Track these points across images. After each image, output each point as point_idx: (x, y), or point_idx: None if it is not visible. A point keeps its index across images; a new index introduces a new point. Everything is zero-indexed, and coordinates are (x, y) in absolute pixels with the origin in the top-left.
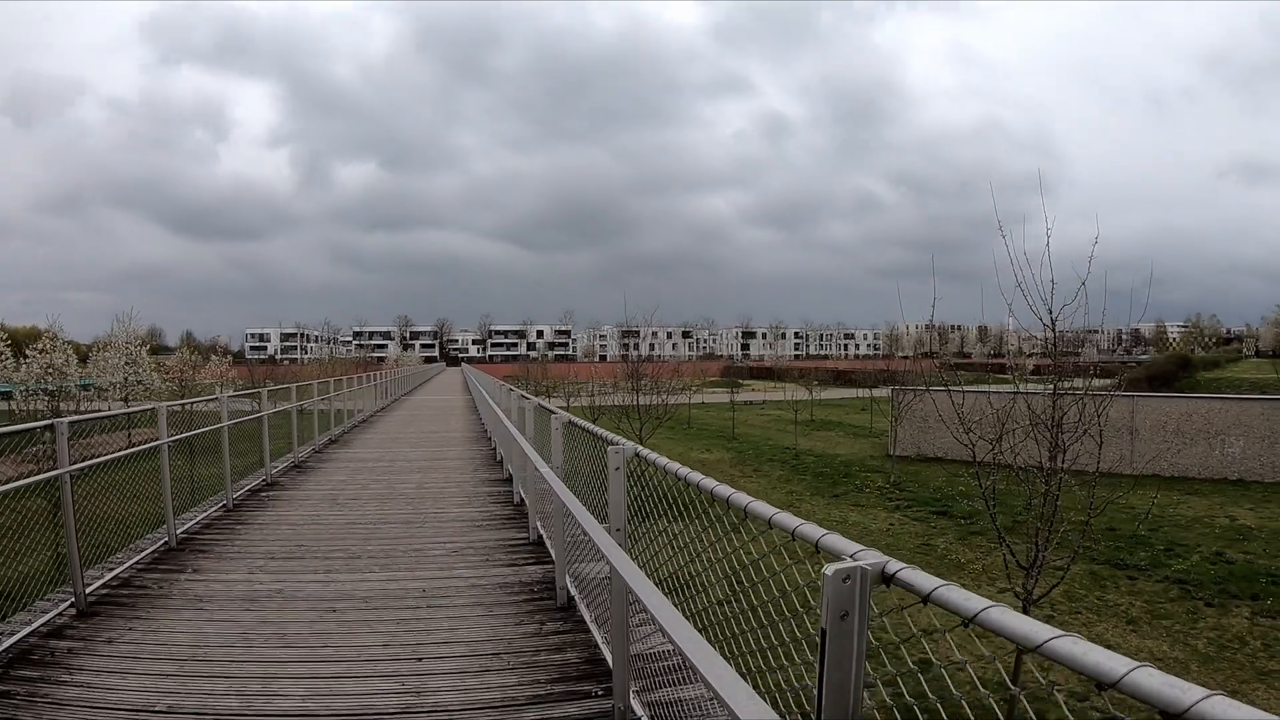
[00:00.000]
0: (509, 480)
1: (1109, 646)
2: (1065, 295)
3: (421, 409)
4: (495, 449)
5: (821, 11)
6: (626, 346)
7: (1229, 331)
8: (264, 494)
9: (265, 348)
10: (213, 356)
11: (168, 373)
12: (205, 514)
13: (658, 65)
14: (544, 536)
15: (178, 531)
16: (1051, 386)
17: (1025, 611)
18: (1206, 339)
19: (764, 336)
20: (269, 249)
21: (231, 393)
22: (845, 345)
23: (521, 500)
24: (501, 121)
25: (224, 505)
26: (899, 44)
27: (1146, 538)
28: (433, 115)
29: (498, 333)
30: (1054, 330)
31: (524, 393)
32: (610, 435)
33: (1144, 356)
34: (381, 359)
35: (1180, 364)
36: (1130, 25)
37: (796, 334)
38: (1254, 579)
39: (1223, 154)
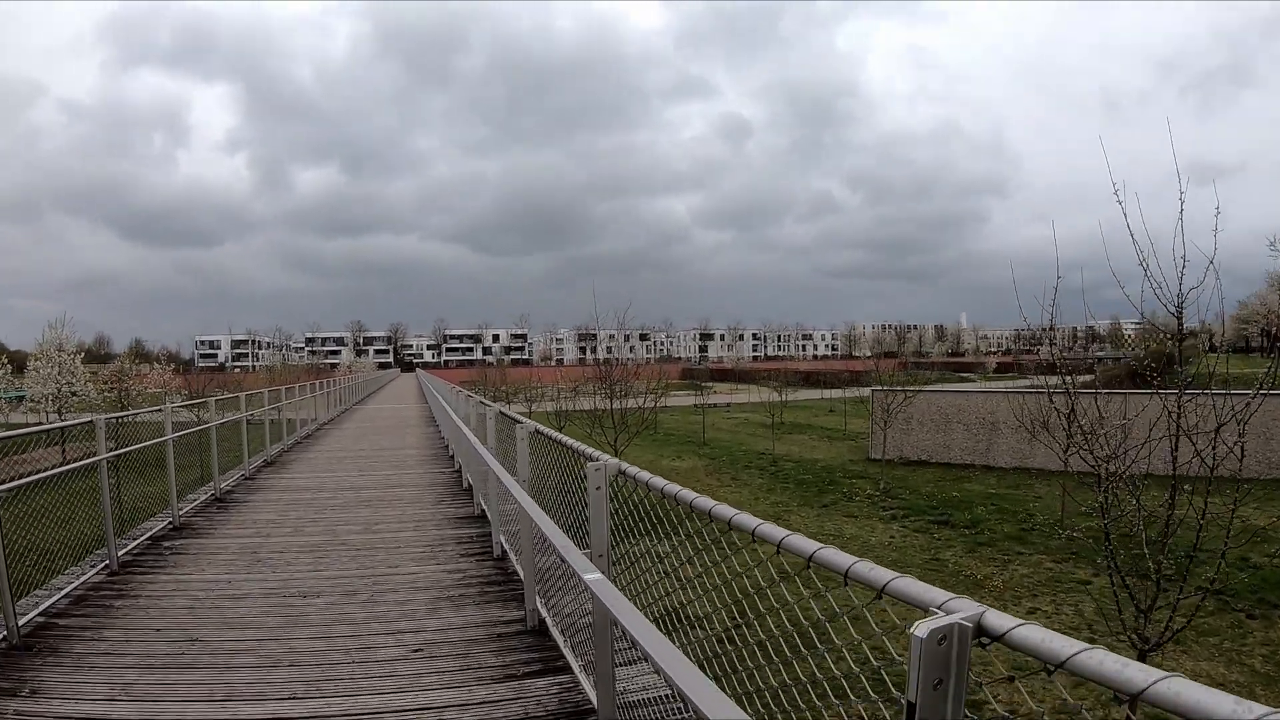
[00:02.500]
0: (481, 518)
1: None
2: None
3: (374, 420)
4: (460, 471)
5: (784, 16)
6: (584, 349)
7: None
8: (166, 544)
9: (216, 355)
10: (155, 364)
11: (105, 382)
12: (82, 579)
13: (620, 68)
14: (546, 618)
15: (21, 623)
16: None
17: (1142, 660)
18: (1163, 336)
19: (722, 338)
20: (223, 255)
21: (104, 415)
22: (804, 346)
23: (504, 553)
24: (461, 124)
25: (106, 567)
26: (859, 48)
27: (1157, 540)
28: (393, 118)
29: (453, 337)
30: (1180, 317)
31: (512, 413)
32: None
33: (1101, 353)
34: (334, 365)
35: (1165, 360)
36: (1086, 33)
37: (755, 335)
38: None
39: (1175, 155)
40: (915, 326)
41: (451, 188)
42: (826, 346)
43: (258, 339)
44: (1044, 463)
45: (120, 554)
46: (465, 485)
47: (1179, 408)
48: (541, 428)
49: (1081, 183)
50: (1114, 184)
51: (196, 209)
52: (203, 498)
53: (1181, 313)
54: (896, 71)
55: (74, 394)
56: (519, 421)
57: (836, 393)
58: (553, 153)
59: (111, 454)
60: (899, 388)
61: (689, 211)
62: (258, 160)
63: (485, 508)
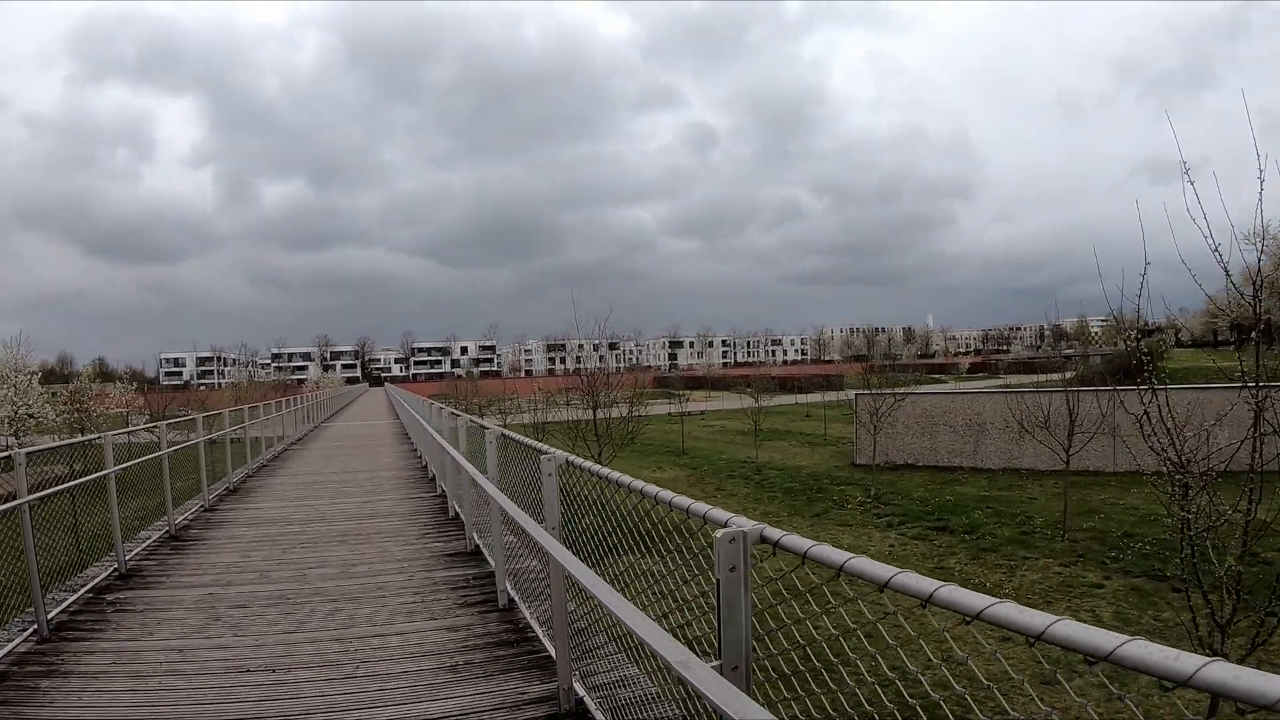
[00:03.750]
0: (476, 555)
1: None
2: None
3: (344, 438)
4: (444, 497)
5: (752, 26)
6: (552, 360)
7: (1147, 324)
8: (110, 597)
9: (181, 373)
10: (117, 383)
11: (64, 403)
12: (6, 649)
13: (588, 78)
14: (586, 699)
15: None
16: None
17: (1214, 700)
18: (1129, 332)
19: (691, 345)
20: (188, 271)
21: (33, 446)
22: (773, 351)
23: (511, 602)
24: (428, 136)
25: (36, 632)
26: (825, 56)
27: (1171, 541)
28: (360, 131)
29: (420, 350)
30: (1258, 303)
31: (531, 441)
32: None
33: (1070, 351)
34: (301, 381)
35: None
36: (1047, 38)
37: (724, 342)
38: None
39: (1134, 155)
40: (884, 329)
41: (418, 200)
42: (796, 351)
43: (223, 355)
44: (1033, 463)
45: (54, 613)
46: (451, 514)
47: (1258, 402)
48: (578, 459)
49: (1044, 181)
50: (1183, 162)
51: (161, 224)
52: (155, 535)
53: (1259, 300)
54: (861, 78)
55: (31, 416)
56: (545, 452)
57: (814, 398)
58: (520, 164)
59: (34, 495)
60: (888, 390)
61: (656, 221)
62: (223, 174)
63: (481, 544)
